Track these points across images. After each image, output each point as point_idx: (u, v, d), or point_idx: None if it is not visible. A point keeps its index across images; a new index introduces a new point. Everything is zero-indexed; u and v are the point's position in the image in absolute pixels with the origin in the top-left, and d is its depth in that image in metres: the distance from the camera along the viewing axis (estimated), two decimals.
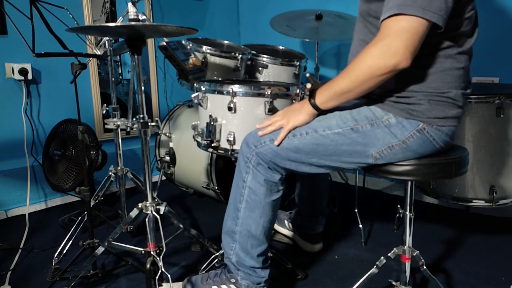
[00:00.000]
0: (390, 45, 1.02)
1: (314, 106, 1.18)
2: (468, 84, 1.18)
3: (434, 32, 1.05)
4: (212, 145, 1.47)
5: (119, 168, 1.90)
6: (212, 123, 1.44)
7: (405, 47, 1.01)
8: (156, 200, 1.41)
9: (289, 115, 1.22)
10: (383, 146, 1.15)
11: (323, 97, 1.17)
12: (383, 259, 1.29)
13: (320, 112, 1.20)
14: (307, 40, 2.64)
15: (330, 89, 1.15)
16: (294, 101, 1.45)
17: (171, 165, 2.24)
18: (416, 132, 1.13)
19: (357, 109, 1.19)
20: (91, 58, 2.20)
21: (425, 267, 1.29)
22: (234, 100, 1.40)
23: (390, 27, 1.02)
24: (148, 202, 1.39)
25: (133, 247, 1.45)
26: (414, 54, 1.02)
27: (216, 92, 1.45)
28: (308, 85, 1.30)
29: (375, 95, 1.17)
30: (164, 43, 1.49)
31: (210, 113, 1.46)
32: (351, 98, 1.14)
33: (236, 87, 1.40)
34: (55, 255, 1.61)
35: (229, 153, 1.45)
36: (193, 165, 2.15)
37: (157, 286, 1.33)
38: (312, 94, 1.19)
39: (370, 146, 1.16)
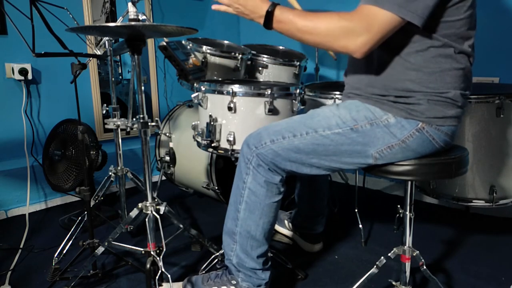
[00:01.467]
0: (359, 32, 1.03)
1: (267, 19, 1.14)
2: (469, 84, 1.18)
3: (427, 32, 1.06)
4: (212, 145, 1.47)
5: (119, 168, 1.90)
6: (212, 123, 1.44)
7: (368, 41, 1.04)
8: (156, 200, 1.41)
9: (244, 4, 1.18)
10: (382, 146, 1.15)
11: (281, 17, 1.13)
12: (383, 259, 1.29)
13: (266, 27, 1.16)
14: None
15: (290, 18, 1.12)
16: (294, 101, 1.45)
17: (171, 165, 2.24)
18: (416, 131, 1.13)
19: (357, 109, 1.19)
20: (91, 58, 2.21)
21: (425, 267, 1.29)
22: (234, 100, 1.40)
23: (365, 13, 1.04)
24: (148, 202, 1.39)
25: (133, 247, 1.45)
26: (373, 49, 1.06)
27: (216, 92, 1.45)
28: None
29: (374, 95, 1.17)
30: (164, 43, 1.49)
31: (210, 113, 1.46)
32: (297, 38, 1.14)
33: (236, 87, 1.40)
34: (55, 255, 1.61)
35: (229, 153, 1.45)
36: (193, 165, 2.15)
37: (157, 286, 1.33)
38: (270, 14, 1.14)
39: (370, 146, 1.16)
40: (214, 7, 1.25)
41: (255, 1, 1.16)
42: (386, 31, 1.03)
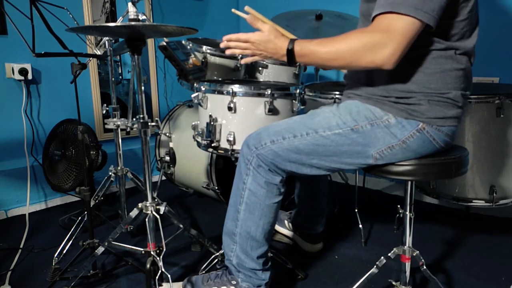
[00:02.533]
0: (383, 44, 1.02)
1: (290, 56, 1.17)
2: (469, 84, 1.18)
3: (430, 33, 1.05)
4: (212, 145, 1.47)
5: (119, 168, 1.90)
6: (212, 123, 1.45)
7: (395, 51, 1.02)
8: (156, 200, 1.41)
9: (264, 49, 1.22)
10: (383, 146, 1.15)
11: (302, 52, 1.15)
12: (383, 259, 1.29)
13: (291, 63, 1.19)
14: None
15: (311, 49, 1.14)
16: (294, 101, 1.45)
17: (171, 165, 2.24)
18: (416, 132, 1.14)
19: (357, 110, 1.19)
20: (91, 58, 2.20)
21: (425, 267, 1.29)
22: (234, 100, 1.40)
23: (385, 23, 1.03)
24: (148, 202, 1.39)
25: (133, 247, 1.45)
26: (401, 57, 1.04)
27: (216, 92, 1.45)
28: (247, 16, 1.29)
29: (375, 95, 1.17)
30: (164, 43, 1.49)
31: (210, 113, 1.46)
32: (322, 66, 1.19)
33: (236, 87, 1.40)
34: (55, 255, 1.61)
35: (229, 153, 1.45)
36: (193, 165, 2.15)
37: (157, 286, 1.33)
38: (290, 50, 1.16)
39: (370, 146, 1.16)
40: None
41: (273, 43, 1.19)
42: (409, 36, 1.01)
